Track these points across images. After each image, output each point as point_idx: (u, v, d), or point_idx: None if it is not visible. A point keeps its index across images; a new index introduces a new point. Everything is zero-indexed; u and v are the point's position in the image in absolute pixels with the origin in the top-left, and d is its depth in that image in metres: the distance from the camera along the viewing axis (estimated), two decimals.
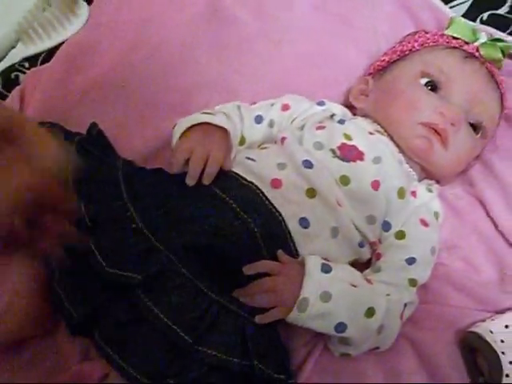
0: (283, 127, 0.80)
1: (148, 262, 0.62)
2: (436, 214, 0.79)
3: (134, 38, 0.91)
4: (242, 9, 0.95)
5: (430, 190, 0.79)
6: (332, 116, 0.80)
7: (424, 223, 0.76)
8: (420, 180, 0.81)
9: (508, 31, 0.96)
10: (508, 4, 0.99)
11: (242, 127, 0.79)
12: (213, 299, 0.63)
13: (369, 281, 0.70)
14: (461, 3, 0.99)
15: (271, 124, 0.81)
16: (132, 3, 0.96)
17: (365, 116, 0.83)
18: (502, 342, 0.72)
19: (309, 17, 0.95)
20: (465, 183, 0.85)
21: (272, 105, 0.82)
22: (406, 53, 0.85)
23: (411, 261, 0.73)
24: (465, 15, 0.98)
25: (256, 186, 0.70)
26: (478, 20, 0.98)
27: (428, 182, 0.81)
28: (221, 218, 0.67)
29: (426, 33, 0.87)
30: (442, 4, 0.99)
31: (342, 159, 0.74)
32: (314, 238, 0.70)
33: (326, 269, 0.66)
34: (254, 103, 0.83)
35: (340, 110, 0.84)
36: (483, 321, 0.74)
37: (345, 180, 0.72)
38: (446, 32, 0.85)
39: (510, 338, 0.72)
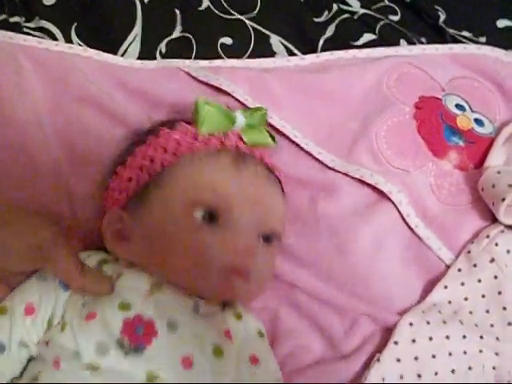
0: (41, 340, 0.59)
1: None
2: (260, 334, 0.68)
3: None
4: None
5: (239, 316, 0.67)
6: None
7: (254, 360, 0.64)
8: (224, 308, 0.67)
9: None
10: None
11: None
12: None
13: None
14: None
15: (23, 344, 0.59)
16: None
17: (136, 266, 0.64)
18: None
19: None
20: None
21: (10, 317, 0.58)
22: (157, 170, 0.65)
23: None
24: None
25: None
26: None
27: (234, 305, 0.68)
28: None
29: (171, 126, 0.67)
30: None
31: (136, 350, 0.58)
32: None
33: None
34: None
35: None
36: None
37: (150, 378, 0.57)
38: (197, 130, 0.65)
39: None
